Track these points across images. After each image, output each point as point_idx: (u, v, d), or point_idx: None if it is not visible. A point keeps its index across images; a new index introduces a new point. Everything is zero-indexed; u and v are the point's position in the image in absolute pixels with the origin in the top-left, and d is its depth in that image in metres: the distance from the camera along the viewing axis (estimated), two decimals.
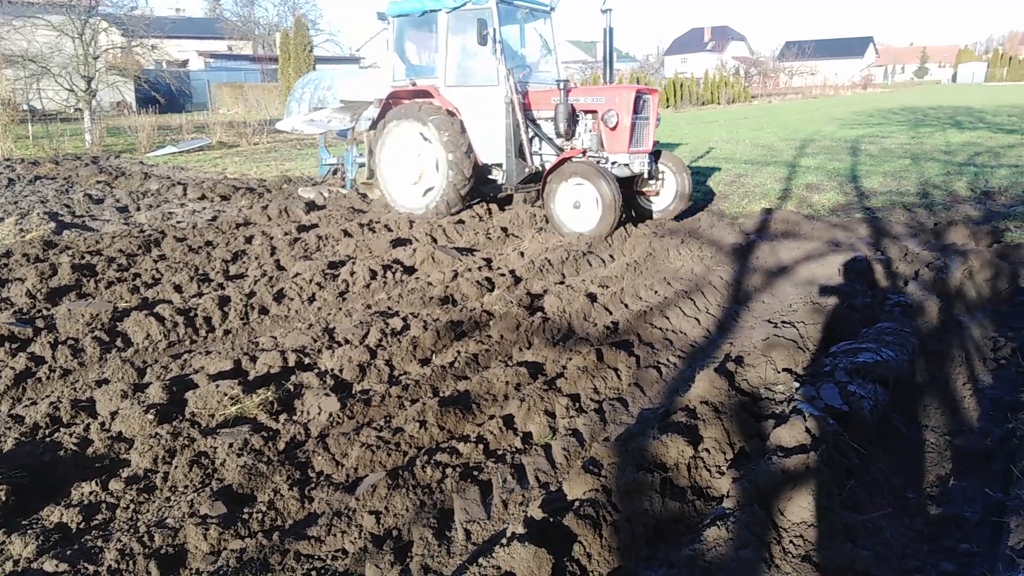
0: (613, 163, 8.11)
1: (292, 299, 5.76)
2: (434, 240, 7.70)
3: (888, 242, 7.55)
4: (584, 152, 8.09)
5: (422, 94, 8.77)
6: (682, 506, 3.06)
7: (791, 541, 2.91)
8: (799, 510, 3.00)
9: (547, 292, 5.88)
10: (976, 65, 76.78)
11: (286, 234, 7.74)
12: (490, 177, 9.03)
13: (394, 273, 6.36)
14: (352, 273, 6.21)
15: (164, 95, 25.45)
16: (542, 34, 9.59)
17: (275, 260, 6.91)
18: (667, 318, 5.46)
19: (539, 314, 5.31)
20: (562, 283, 6.35)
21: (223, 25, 55.99)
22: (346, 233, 7.76)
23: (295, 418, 3.86)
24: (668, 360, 4.80)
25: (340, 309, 5.69)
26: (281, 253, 7.11)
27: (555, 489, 3.25)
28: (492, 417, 3.93)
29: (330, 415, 3.81)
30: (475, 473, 3.40)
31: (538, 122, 8.60)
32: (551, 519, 2.83)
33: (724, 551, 2.69)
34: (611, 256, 7.30)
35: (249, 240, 7.65)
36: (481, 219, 8.79)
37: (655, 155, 8.58)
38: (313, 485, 3.28)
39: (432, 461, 3.40)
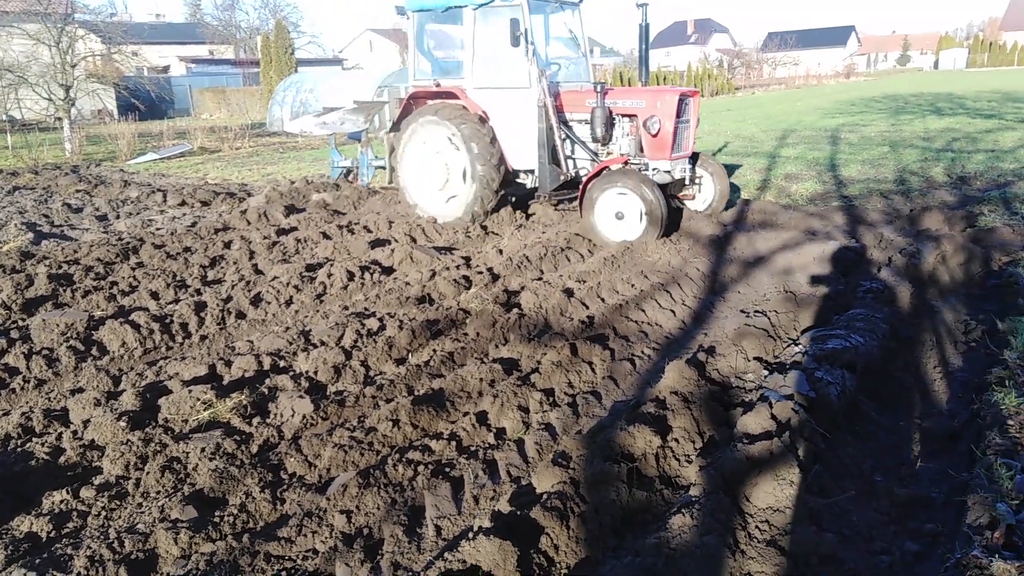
0: (654, 170, 7.71)
1: (269, 303, 5.76)
2: (413, 240, 7.72)
3: (864, 229, 7.62)
4: (626, 161, 7.60)
5: (447, 95, 8.33)
6: (650, 495, 3.10)
7: (756, 526, 2.96)
8: (764, 496, 3.04)
9: (524, 288, 5.90)
10: (957, 51, 77.27)
11: (265, 238, 7.73)
12: (518, 181, 8.66)
13: (372, 274, 6.37)
14: (330, 275, 6.22)
15: (145, 102, 25.31)
16: (571, 29, 8.98)
17: (253, 264, 6.90)
18: (643, 311, 5.49)
19: (515, 310, 5.34)
20: (540, 279, 6.37)
21: (204, 30, 55.76)
22: (325, 235, 7.76)
23: (268, 421, 3.87)
24: (642, 352, 4.84)
25: (317, 311, 5.70)
26: (259, 257, 7.11)
27: (526, 483, 3.28)
28: (466, 414, 3.95)
29: (304, 417, 3.83)
30: (447, 470, 3.42)
31: (571, 125, 8.17)
32: (518, 512, 2.86)
33: (689, 538, 2.72)
34: (590, 251, 7.33)
35: (228, 245, 7.64)
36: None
37: (693, 158, 8.20)
38: (285, 487, 3.30)
39: (404, 459, 3.42)
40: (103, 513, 3.13)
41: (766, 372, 4.19)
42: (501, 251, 7.17)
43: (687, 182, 8.07)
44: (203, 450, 3.46)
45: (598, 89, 7.53)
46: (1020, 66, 63.57)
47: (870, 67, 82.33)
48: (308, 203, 10.17)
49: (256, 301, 5.75)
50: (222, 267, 6.90)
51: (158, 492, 3.27)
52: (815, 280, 5.92)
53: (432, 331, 5.02)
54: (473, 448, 3.66)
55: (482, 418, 3.89)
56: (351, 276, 6.25)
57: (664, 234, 7.23)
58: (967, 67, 70.11)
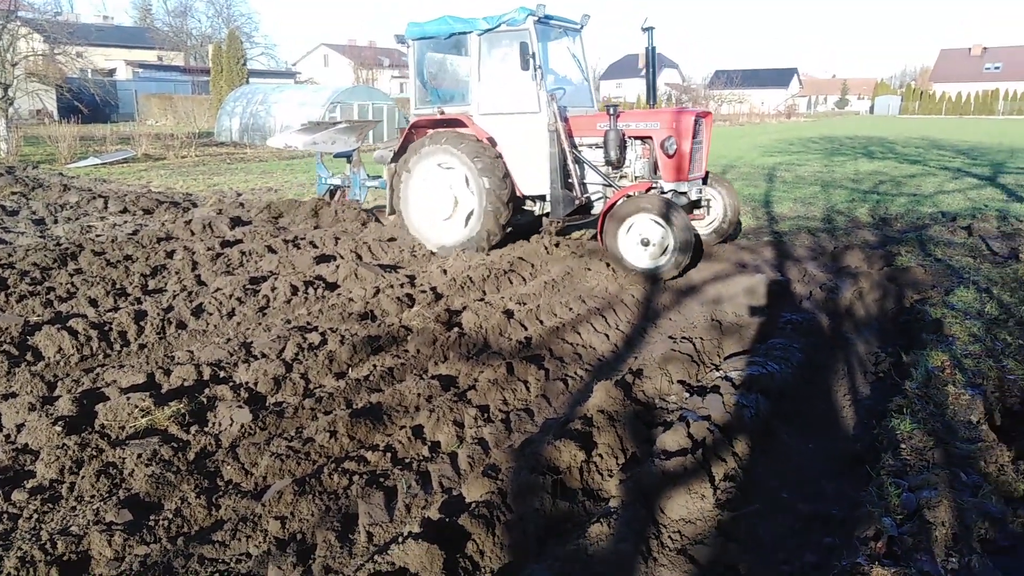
0: (669, 192, 7.62)
1: (211, 314, 5.80)
2: (359, 257, 7.83)
3: (790, 264, 8.06)
4: (650, 187, 7.43)
5: (452, 123, 8.20)
6: (572, 506, 3.29)
7: (670, 536, 3.18)
8: (678, 508, 3.27)
9: (466, 308, 6.07)
10: (892, 98, 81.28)
11: (209, 249, 7.73)
12: (525, 208, 8.50)
13: (316, 289, 6.46)
14: (273, 289, 6.29)
15: (88, 105, 24.73)
16: (574, 54, 8.95)
17: (196, 275, 6.91)
18: (579, 333, 5.73)
19: (456, 329, 5.51)
20: (482, 300, 6.55)
21: (154, 35, 54.75)
22: (270, 249, 7.81)
23: (206, 430, 3.94)
24: (575, 373, 5.06)
25: (260, 324, 5.76)
26: (203, 268, 7.11)
27: (457, 493, 3.43)
28: (403, 427, 4.09)
29: (242, 426, 3.91)
30: (381, 480, 3.56)
31: (580, 149, 8.08)
32: (447, 519, 3.01)
33: (605, 545, 2.92)
34: (532, 274, 7.56)
35: (170, 255, 7.61)
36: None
37: (703, 179, 8.17)
38: (221, 493, 3.38)
39: (340, 469, 3.54)
40: (35, 516, 3.16)
41: (687, 394, 4.45)
42: (446, 271, 7.34)
43: (704, 203, 8.11)
44: (139, 456, 3.51)
45: (611, 111, 7.51)
46: (947, 115, 67.21)
47: (810, 108, 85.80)
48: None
49: (198, 312, 5.77)
50: (164, 277, 6.88)
51: (93, 496, 3.31)
52: (741, 310, 6.26)
53: (373, 347, 5.14)
54: (408, 460, 3.80)
55: (418, 432, 4.04)
56: (295, 290, 6.32)
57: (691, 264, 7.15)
58: (900, 113, 73.78)
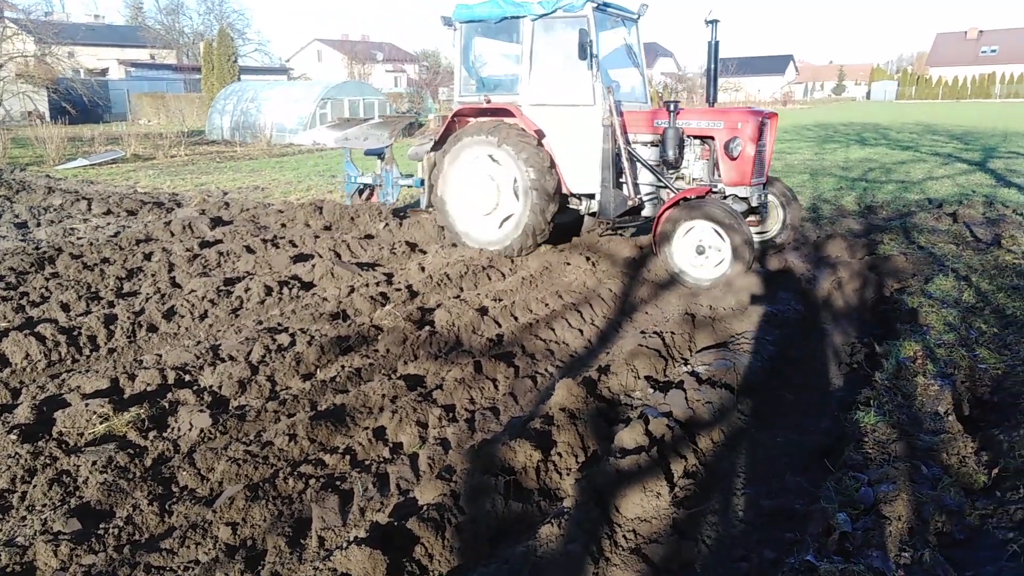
0: (731, 196, 7.24)
1: (183, 316, 5.77)
2: (337, 255, 7.79)
3: (771, 254, 8.01)
4: (709, 190, 7.07)
5: (499, 112, 7.73)
6: (527, 507, 3.27)
7: (624, 536, 3.16)
8: (633, 507, 3.25)
9: (440, 306, 6.04)
10: (888, 83, 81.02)
11: (187, 250, 7.70)
12: (570, 207, 8.02)
13: (291, 289, 6.43)
14: (247, 289, 6.26)
15: (77, 105, 24.67)
16: (629, 45, 8.45)
17: (171, 277, 6.88)
18: (552, 329, 5.69)
19: (427, 328, 5.48)
20: (458, 297, 6.52)
21: (145, 33, 54.55)
22: (248, 249, 7.77)
23: (165, 435, 3.91)
24: (546, 370, 5.03)
25: (231, 326, 5.74)
26: (179, 270, 7.09)
27: (413, 496, 3.41)
28: (365, 429, 4.06)
29: (201, 431, 3.89)
30: (338, 483, 3.53)
31: (633, 146, 7.58)
32: (396, 523, 2.99)
33: (555, 547, 2.90)
34: (511, 270, 7.52)
35: (148, 257, 7.58)
36: (391, 232, 8.90)
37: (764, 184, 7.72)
38: (175, 500, 3.36)
39: (296, 473, 3.51)
40: None
41: (652, 390, 4.43)
42: (423, 268, 7.31)
43: (763, 209, 7.68)
44: (94, 463, 3.49)
45: (671, 108, 7.14)
46: (944, 100, 67.00)
47: (807, 95, 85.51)
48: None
49: (169, 315, 5.75)
50: (139, 279, 6.86)
51: (44, 505, 3.29)
52: (717, 302, 6.22)
53: (342, 347, 5.12)
54: (367, 462, 3.77)
55: (380, 433, 4.01)
56: (269, 291, 6.29)
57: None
58: (896, 99, 73.55)
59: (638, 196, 7.56)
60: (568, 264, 7.47)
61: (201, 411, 4.04)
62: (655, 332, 5.26)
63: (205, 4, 70.22)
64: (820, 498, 3.39)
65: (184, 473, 3.51)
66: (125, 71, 48.55)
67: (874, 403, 4.30)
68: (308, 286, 6.71)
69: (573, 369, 5.10)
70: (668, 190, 7.46)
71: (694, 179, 7.48)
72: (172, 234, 8.79)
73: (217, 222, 9.49)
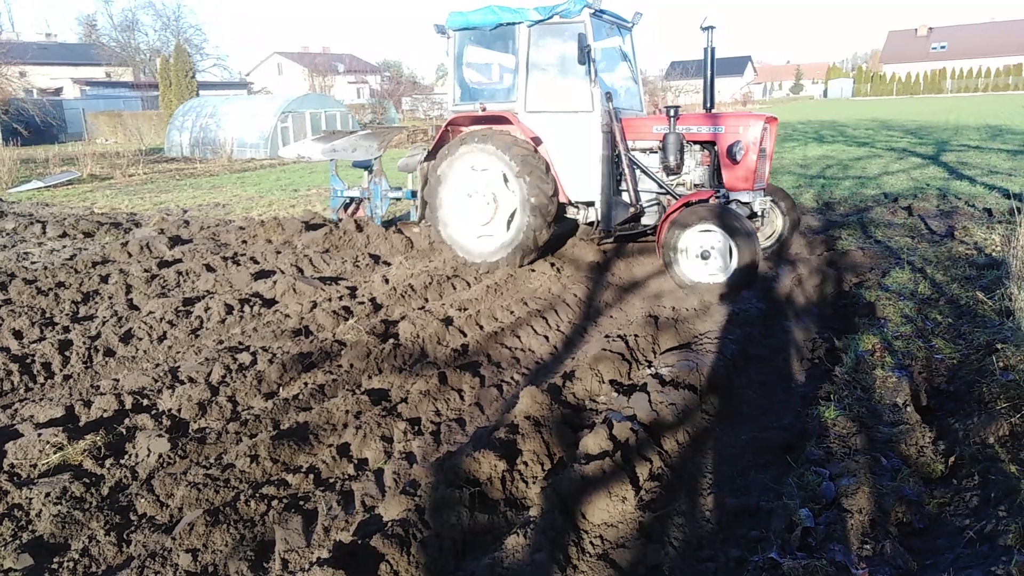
0: (734, 202, 7.09)
1: (141, 339, 5.65)
2: (300, 270, 7.71)
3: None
4: (714, 194, 6.86)
5: (495, 120, 7.59)
6: (493, 518, 3.25)
7: (591, 542, 3.15)
8: (599, 512, 3.25)
9: (404, 318, 6.00)
10: (844, 81, 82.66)
11: (145, 271, 7.55)
12: (567, 216, 7.90)
13: (252, 307, 6.33)
14: (207, 309, 6.15)
15: (31, 126, 24.12)
16: (624, 53, 8.38)
17: (129, 299, 6.75)
18: (518, 337, 5.69)
19: (391, 341, 5.43)
20: (423, 308, 6.49)
21: (100, 51, 53.58)
22: (208, 267, 7.65)
23: (123, 462, 3.82)
24: (512, 378, 5.02)
25: (191, 347, 5.64)
26: (136, 291, 6.95)
27: (378, 512, 3.37)
28: (329, 446, 4.01)
29: (160, 456, 3.80)
30: (301, 503, 3.48)
31: (633, 153, 7.47)
32: (359, 542, 2.95)
33: (521, 557, 2.88)
34: (476, 278, 7.51)
35: (105, 279, 7.42)
36: (352, 246, 8.83)
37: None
38: (133, 528, 3.28)
39: (258, 495, 3.45)
40: None
41: (616, 394, 4.44)
42: (387, 280, 7.26)
43: (761, 215, 7.58)
44: (47, 495, 3.39)
45: (671, 114, 7.05)
46: (898, 96, 68.58)
47: (766, 95, 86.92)
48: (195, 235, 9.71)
49: (127, 338, 5.63)
50: (95, 303, 6.71)
51: None
52: (681, 303, 6.27)
53: (305, 364, 5.05)
54: (332, 480, 3.73)
55: (344, 450, 3.96)
56: (230, 309, 6.20)
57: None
58: (852, 96, 75.09)
59: (639, 203, 7.42)
60: (533, 271, 7.47)
61: (160, 436, 3.96)
62: (619, 336, 5.28)
63: (161, 20, 69.21)
64: (783, 495, 3.43)
65: (142, 500, 3.43)
66: (80, 90, 47.63)
67: (834, 397, 4.36)
68: (270, 303, 6.62)
69: (539, 376, 5.10)
70: (670, 196, 7.37)
71: (695, 184, 7.39)
72: (130, 255, 8.62)
73: (176, 241, 9.32)
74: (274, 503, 3.43)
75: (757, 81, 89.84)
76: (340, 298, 6.63)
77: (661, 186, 7.40)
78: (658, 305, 6.36)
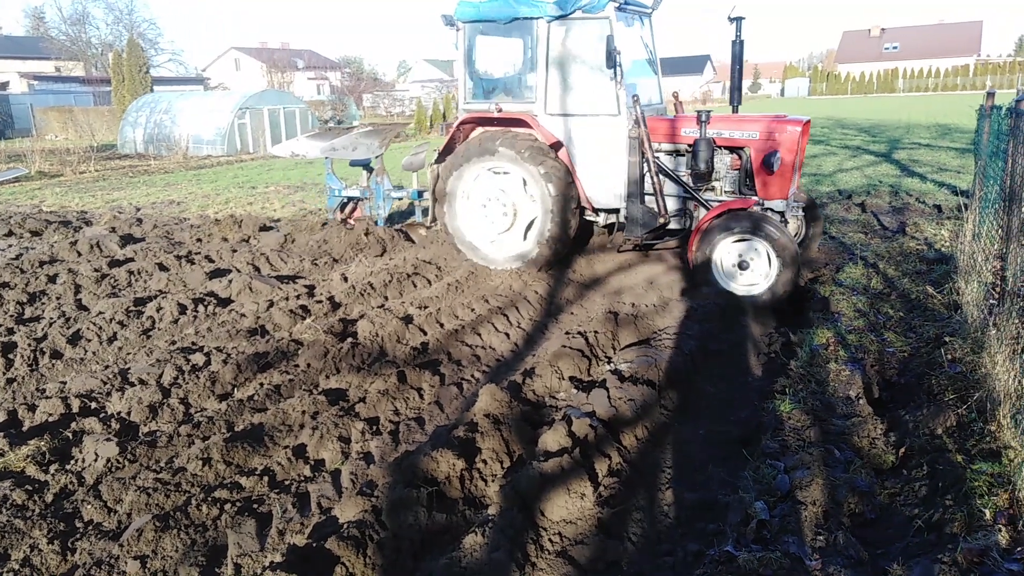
0: (767, 210, 6.64)
1: (90, 340, 5.49)
2: (256, 269, 7.57)
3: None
4: (755, 202, 6.49)
5: (512, 122, 7.17)
6: (451, 517, 3.22)
7: (549, 539, 3.14)
8: (558, 509, 3.24)
9: (363, 316, 5.93)
10: (801, 80, 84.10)
11: (95, 270, 7.33)
12: (587, 218, 7.47)
13: (206, 306, 6.19)
14: (159, 309, 6.00)
15: None
16: (645, 42, 7.77)
17: (77, 299, 6.55)
18: (479, 335, 5.66)
19: (350, 340, 5.36)
20: (383, 306, 6.42)
21: (49, 45, 51.96)
22: (161, 267, 7.46)
23: (68, 467, 3.70)
24: (472, 376, 4.99)
25: (142, 348, 5.49)
26: (86, 291, 6.74)
27: (335, 514, 3.32)
28: (285, 447, 3.94)
29: (108, 461, 3.69)
30: (255, 506, 3.41)
31: (658, 156, 6.92)
32: (315, 544, 2.90)
33: (480, 556, 2.86)
34: (437, 276, 7.45)
35: (53, 279, 7.19)
36: (310, 244, 8.69)
37: None
38: (78, 536, 3.17)
39: (210, 498, 3.37)
40: None
41: (576, 390, 4.44)
42: (346, 279, 7.17)
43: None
44: None
45: (702, 118, 6.53)
46: (853, 95, 70.09)
47: (724, 94, 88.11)
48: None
49: (75, 339, 5.46)
50: (42, 303, 6.49)
51: None
52: (640, 299, 6.31)
53: (261, 364, 4.96)
54: (287, 482, 3.66)
55: (300, 451, 3.90)
56: (183, 309, 6.05)
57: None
58: (809, 95, 76.50)
59: (667, 214, 6.90)
60: (492, 269, 7.44)
61: (108, 439, 3.84)
62: (579, 332, 5.29)
63: (113, 14, 67.42)
64: (739, 488, 3.46)
65: (88, 507, 3.32)
66: (28, 84, 46.16)
67: (790, 391, 4.42)
68: (225, 302, 6.48)
69: (499, 374, 5.08)
70: (698, 203, 6.94)
71: (726, 191, 6.96)
72: (79, 254, 8.36)
73: (128, 239, 9.08)
74: (227, 507, 3.35)
75: (716, 80, 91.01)
76: (298, 297, 6.53)
77: (688, 191, 6.96)
78: (618, 301, 6.39)
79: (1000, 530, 2.79)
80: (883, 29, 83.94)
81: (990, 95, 7.18)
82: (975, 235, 6.00)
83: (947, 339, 4.78)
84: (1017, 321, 3.97)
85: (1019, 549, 2.68)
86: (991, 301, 4.60)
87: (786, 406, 4.19)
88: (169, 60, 57.27)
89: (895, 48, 79.67)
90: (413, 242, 8.64)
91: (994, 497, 3.01)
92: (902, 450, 3.68)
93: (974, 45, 74.19)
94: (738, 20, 6.89)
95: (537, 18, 6.90)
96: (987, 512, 2.91)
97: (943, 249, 7.52)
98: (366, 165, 9.43)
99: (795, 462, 3.57)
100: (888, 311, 5.87)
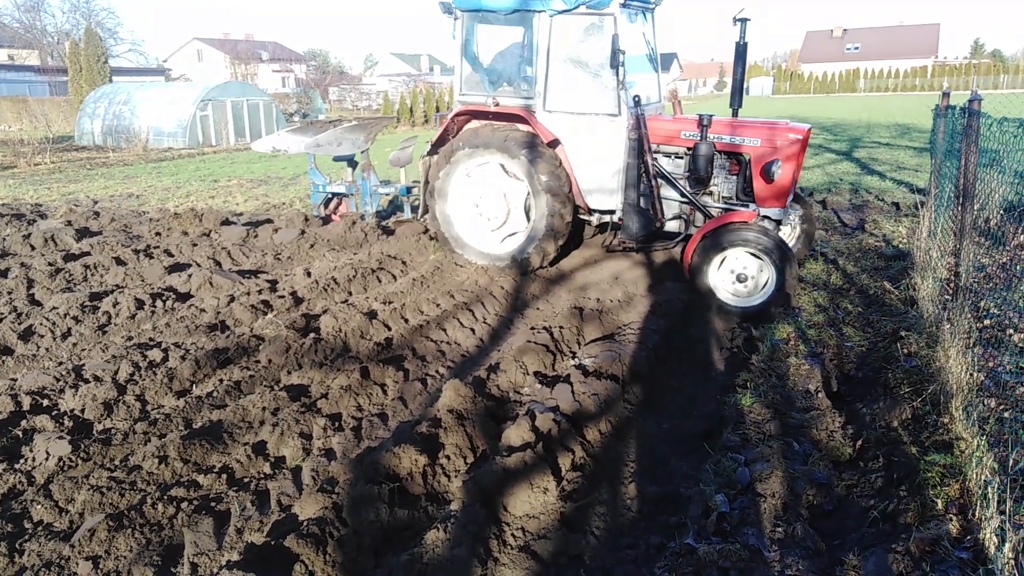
0: (765, 219, 6.48)
1: (43, 336, 5.33)
2: (217, 263, 7.43)
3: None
4: (757, 214, 6.29)
5: (507, 116, 7.00)
6: (414, 513, 3.19)
7: (512, 534, 3.14)
8: (521, 504, 3.24)
9: (326, 312, 5.86)
10: (765, 79, 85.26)
11: (49, 264, 7.13)
12: (581, 217, 7.33)
13: (165, 301, 6.06)
14: (116, 304, 5.86)
15: None
16: (647, 39, 7.58)
17: (30, 294, 6.36)
18: (444, 330, 5.63)
19: (312, 335, 5.29)
20: (346, 302, 6.34)
21: (2, 32, 50.42)
22: (118, 261, 7.29)
23: (17, 466, 3.59)
24: (437, 372, 4.96)
25: (98, 344, 5.35)
26: (39, 286, 6.56)
27: (295, 512, 3.27)
28: (244, 444, 3.87)
29: (60, 459, 3.59)
30: (213, 504, 3.35)
31: (655, 158, 6.81)
32: (274, 542, 2.85)
33: (441, 552, 2.84)
34: (402, 271, 7.39)
35: (4, 274, 6.98)
36: (272, 238, 8.57)
37: None
38: (27, 537, 3.08)
39: (166, 497, 3.30)
40: None
41: (540, 385, 4.44)
42: (309, 273, 7.07)
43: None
44: None
45: (704, 122, 6.40)
46: (815, 94, 71.26)
47: (691, 91, 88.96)
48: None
49: (27, 335, 5.30)
50: None
51: None
52: (606, 295, 6.33)
53: (220, 360, 4.87)
54: (246, 480, 3.60)
55: (260, 448, 3.84)
56: (140, 304, 5.91)
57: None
58: (773, 94, 77.61)
59: (664, 219, 6.86)
60: (459, 264, 7.40)
61: (60, 438, 3.74)
62: (544, 327, 5.29)
63: (69, 2, 65.73)
64: (701, 481, 3.49)
65: (39, 507, 3.23)
66: None
67: (751, 385, 4.48)
68: (184, 297, 6.35)
69: (464, 369, 5.05)
70: (695, 208, 6.84)
71: (723, 197, 6.83)
72: (32, 248, 8.13)
73: (84, 233, 8.85)
74: (184, 505, 3.28)
75: (683, 78, 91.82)
76: (259, 292, 6.42)
77: (685, 196, 6.83)
78: (584, 297, 6.40)
79: (951, 519, 2.86)
80: (845, 30, 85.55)
81: (945, 95, 7.34)
82: (931, 232, 6.14)
83: (903, 334, 4.88)
84: (969, 316, 4.07)
85: (969, 538, 2.74)
86: (945, 296, 4.71)
87: (747, 400, 4.24)
88: (129, 50, 56.20)
89: (856, 49, 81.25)
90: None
91: (946, 488, 3.08)
92: (859, 443, 3.75)
93: (932, 47, 76.00)
94: (743, 21, 6.78)
95: (540, 11, 6.69)
96: (939, 502, 2.97)
97: (900, 246, 7.68)
98: (350, 160, 9.25)
99: (755, 455, 3.62)
100: (847, 306, 5.98)
